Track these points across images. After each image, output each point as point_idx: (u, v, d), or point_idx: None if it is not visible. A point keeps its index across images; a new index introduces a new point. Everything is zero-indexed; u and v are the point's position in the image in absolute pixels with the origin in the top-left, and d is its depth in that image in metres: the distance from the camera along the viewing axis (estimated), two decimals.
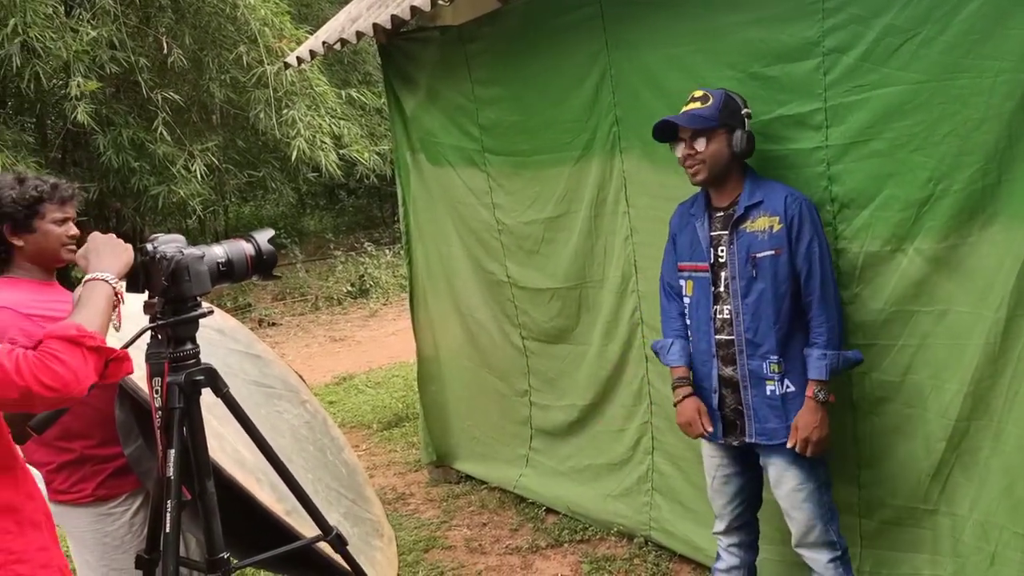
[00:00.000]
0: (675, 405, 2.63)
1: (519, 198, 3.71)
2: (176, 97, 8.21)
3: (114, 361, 1.66)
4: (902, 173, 2.35)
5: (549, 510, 3.95)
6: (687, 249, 2.61)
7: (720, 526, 2.70)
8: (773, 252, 2.41)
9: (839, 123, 2.44)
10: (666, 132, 2.53)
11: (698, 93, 2.51)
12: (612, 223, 3.32)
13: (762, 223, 2.43)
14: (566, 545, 3.66)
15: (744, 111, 2.49)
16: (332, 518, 2.36)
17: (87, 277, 1.79)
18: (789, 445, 2.42)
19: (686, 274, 2.61)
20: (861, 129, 2.40)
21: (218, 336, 2.86)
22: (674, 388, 2.63)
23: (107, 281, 1.78)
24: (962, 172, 2.23)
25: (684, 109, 2.51)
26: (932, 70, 2.23)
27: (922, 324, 2.41)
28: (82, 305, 1.72)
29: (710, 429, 2.56)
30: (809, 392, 2.40)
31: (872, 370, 2.53)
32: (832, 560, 2.49)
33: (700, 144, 2.46)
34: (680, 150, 2.51)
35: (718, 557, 2.75)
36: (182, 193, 8.38)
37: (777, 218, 2.40)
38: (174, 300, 2.00)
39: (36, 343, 1.60)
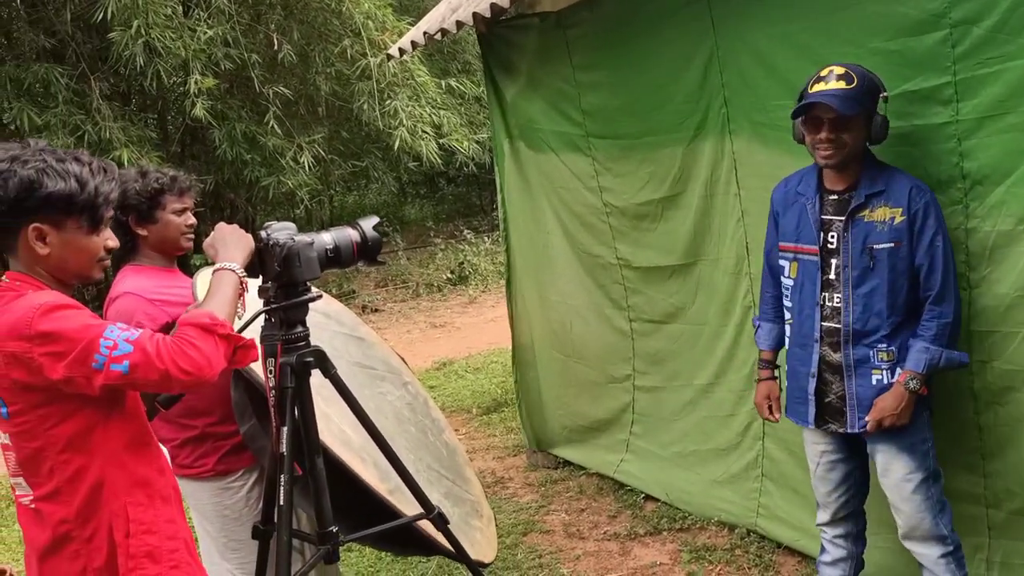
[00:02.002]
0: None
1: (631, 180, 3.68)
2: (286, 91, 8.49)
3: (242, 348, 1.75)
4: None
5: (648, 498, 3.92)
6: (792, 229, 2.52)
7: (824, 516, 2.63)
8: (892, 244, 2.31)
9: (971, 97, 2.32)
10: (797, 108, 2.36)
11: (839, 70, 2.31)
12: (724, 204, 3.27)
13: (882, 213, 2.32)
14: (665, 533, 3.63)
15: (883, 94, 2.33)
16: (433, 497, 2.41)
17: (216, 267, 1.88)
18: (867, 419, 2.37)
19: (790, 255, 2.54)
20: (995, 102, 2.27)
21: (324, 319, 2.96)
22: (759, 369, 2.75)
23: (235, 271, 1.87)
24: None
25: (825, 88, 2.30)
26: None
27: None
28: (213, 294, 1.80)
29: (774, 418, 2.67)
30: (900, 378, 2.32)
31: (994, 359, 2.41)
32: (944, 555, 2.39)
33: (844, 128, 2.30)
34: (819, 131, 2.33)
35: (822, 550, 2.67)
36: (290, 184, 8.69)
37: (900, 209, 2.30)
38: (286, 285, 2.09)
39: (164, 326, 1.70)
